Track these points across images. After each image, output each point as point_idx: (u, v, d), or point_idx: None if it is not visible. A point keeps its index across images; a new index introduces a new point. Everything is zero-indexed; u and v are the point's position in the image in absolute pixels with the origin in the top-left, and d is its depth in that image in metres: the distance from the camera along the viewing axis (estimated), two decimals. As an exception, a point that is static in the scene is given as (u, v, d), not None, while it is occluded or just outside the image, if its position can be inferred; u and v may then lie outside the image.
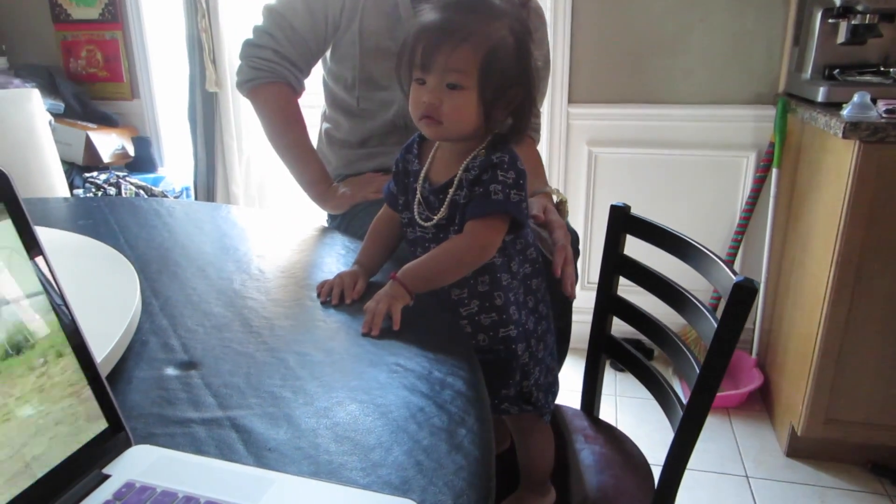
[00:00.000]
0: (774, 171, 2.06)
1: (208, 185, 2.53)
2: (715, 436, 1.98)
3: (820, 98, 1.79)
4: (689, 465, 0.93)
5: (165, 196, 2.42)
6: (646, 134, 2.24)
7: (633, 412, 2.09)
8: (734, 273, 0.88)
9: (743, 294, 0.83)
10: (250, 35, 1.24)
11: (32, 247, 0.49)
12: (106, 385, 0.52)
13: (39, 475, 0.46)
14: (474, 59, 0.76)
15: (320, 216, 1.43)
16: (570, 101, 2.25)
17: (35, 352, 0.47)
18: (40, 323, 0.48)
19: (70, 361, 0.50)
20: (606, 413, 2.02)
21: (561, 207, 1.10)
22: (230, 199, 2.53)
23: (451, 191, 0.80)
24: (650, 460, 1.09)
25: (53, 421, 0.48)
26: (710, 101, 2.18)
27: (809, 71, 1.91)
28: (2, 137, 1.79)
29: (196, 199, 2.58)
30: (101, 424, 0.51)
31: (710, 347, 0.87)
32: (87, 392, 0.51)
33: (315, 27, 1.22)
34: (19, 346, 0.46)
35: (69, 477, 0.48)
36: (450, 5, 0.78)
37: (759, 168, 2.15)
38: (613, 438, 1.15)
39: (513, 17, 0.79)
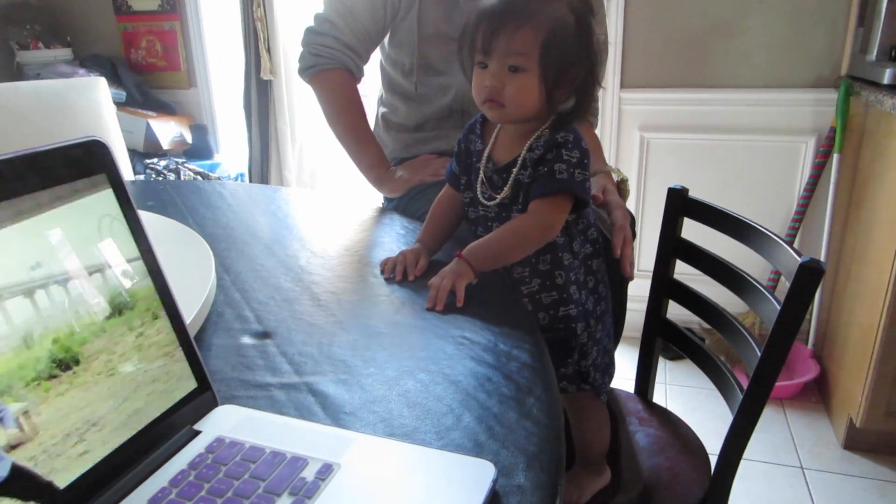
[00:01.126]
0: (835, 156, 2.00)
1: (262, 171, 2.59)
2: (768, 426, 1.94)
3: (886, 80, 1.73)
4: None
5: (221, 181, 2.49)
6: (700, 119, 2.20)
7: (684, 400, 2.07)
8: (798, 254, 0.87)
9: (808, 275, 0.82)
10: (311, 22, 1.27)
11: (130, 215, 0.52)
12: (195, 347, 0.55)
13: (139, 428, 0.49)
14: (535, 41, 0.76)
15: (375, 200, 1.45)
16: (623, 85, 2.23)
17: (134, 313, 0.51)
18: (138, 286, 0.51)
19: (164, 324, 0.53)
20: (657, 401, 2.00)
21: (622, 186, 1.10)
22: (283, 184, 2.59)
23: (514, 170, 0.81)
24: (703, 448, 1.08)
25: (150, 378, 0.51)
26: (768, 84, 2.12)
27: (875, 52, 1.84)
28: (71, 124, 1.87)
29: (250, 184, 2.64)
30: (191, 384, 0.54)
31: (774, 330, 0.86)
32: (179, 353, 0.54)
33: (374, 14, 1.24)
34: (121, 307, 0.50)
35: (164, 431, 0.51)
36: None
37: (818, 153, 2.09)
38: (668, 422, 1.15)
39: None
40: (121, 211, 0.51)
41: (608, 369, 0.97)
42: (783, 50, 2.09)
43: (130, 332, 0.50)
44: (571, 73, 0.79)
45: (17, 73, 2.61)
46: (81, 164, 0.49)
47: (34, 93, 1.83)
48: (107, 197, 0.51)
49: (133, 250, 0.52)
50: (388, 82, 1.38)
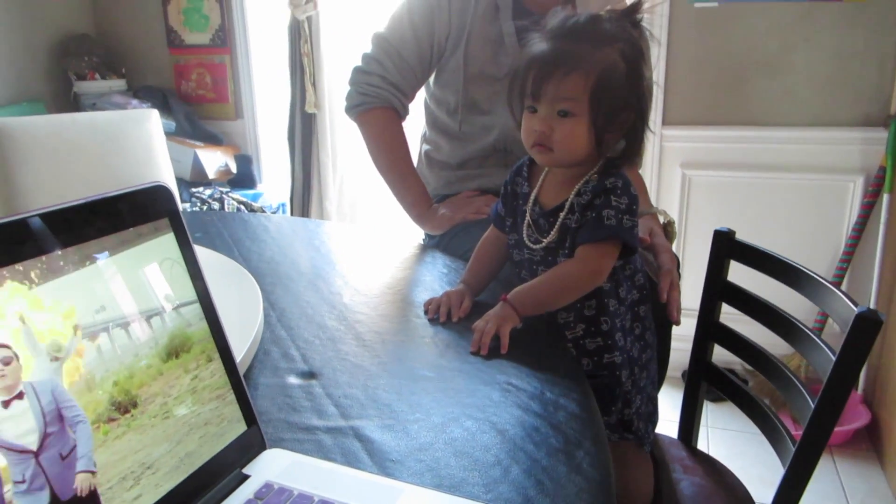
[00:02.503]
0: (885, 196, 1.95)
1: (303, 201, 2.64)
2: (817, 474, 1.84)
3: (940, 121, 1.69)
4: (791, 504, 0.89)
5: (263, 211, 2.54)
6: (743, 157, 2.17)
7: (727, 445, 2.01)
8: (854, 303, 0.84)
9: (866, 325, 0.80)
10: (359, 62, 1.30)
11: (189, 257, 0.53)
12: (246, 390, 0.55)
13: (191, 471, 0.49)
14: (584, 86, 0.77)
15: (415, 236, 1.46)
16: (664, 122, 2.22)
17: (190, 356, 0.51)
18: (195, 329, 0.52)
19: (217, 366, 0.54)
20: (699, 444, 1.95)
21: (668, 229, 1.09)
22: (324, 215, 2.63)
23: (562, 214, 0.80)
24: (748, 497, 1.04)
25: (203, 421, 0.51)
26: (814, 123, 2.09)
27: (927, 92, 1.80)
28: (124, 153, 1.92)
29: (291, 214, 2.69)
30: (241, 427, 0.55)
31: (829, 381, 0.83)
32: (231, 395, 0.54)
33: (421, 54, 1.26)
34: (178, 349, 0.51)
35: (215, 474, 0.51)
36: (559, 34, 0.79)
37: (867, 193, 2.04)
38: (714, 470, 1.11)
39: (623, 40, 0.79)
40: (181, 254, 0.53)
41: (651, 417, 0.95)
42: (830, 88, 2.06)
43: (186, 375, 0.51)
44: (621, 118, 0.79)
45: (74, 103, 2.72)
46: (146, 208, 0.51)
47: (90, 123, 1.90)
48: (168, 240, 0.52)
49: (191, 293, 0.53)
50: (432, 120, 1.40)
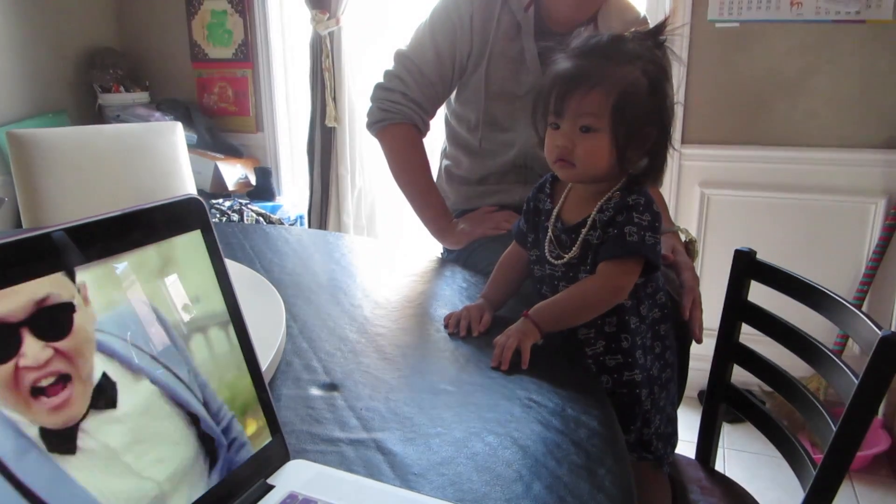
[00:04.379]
0: (908, 218, 1.93)
1: (321, 214, 2.65)
2: (836, 499, 1.84)
3: (963, 143, 1.68)
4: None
5: (282, 223, 2.56)
6: (763, 177, 2.16)
7: (743, 466, 1.98)
8: (879, 327, 0.84)
9: (891, 349, 0.79)
10: (381, 79, 1.31)
11: (220, 269, 0.54)
12: (272, 401, 0.56)
13: (217, 481, 0.50)
14: (607, 102, 0.77)
15: (433, 249, 1.47)
16: (684, 141, 2.21)
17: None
18: (226, 341, 0.53)
19: (247, 380, 0.54)
20: (716, 466, 1.92)
21: (690, 247, 1.09)
22: (341, 227, 2.64)
23: (584, 230, 0.81)
24: (767, 521, 1.03)
25: (230, 430, 0.52)
26: (836, 144, 2.08)
27: (950, 114, 1.79)
28: (148, 165, 1.96)
29: (309, 226, 2.71)
30: (266, 437, 0.55)
31: (851, 405, 0.82)
32: (257, 406, 0.55)
33: (443, 72, 1.28)
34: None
35: (239, 484, 0.52)
36: (583, 53, 0.80)
37: (889, 216, 2.03)
38: (732, 492, 1.10)
39: (646, 59, 0.80)
40: (212, 266, 0.54)
41: (671, 439, 0.95)
42: (852, 110, 2.05)
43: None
44: (643, 135, 0.80)
45: (98, 114, 2.76)
46: (180, 220, 0.52)
47: (116, 135, 1.93)
48: (200, 253, 0.53)
49: (222, 304, 0.54)
50: (452, 136, 1.41)
